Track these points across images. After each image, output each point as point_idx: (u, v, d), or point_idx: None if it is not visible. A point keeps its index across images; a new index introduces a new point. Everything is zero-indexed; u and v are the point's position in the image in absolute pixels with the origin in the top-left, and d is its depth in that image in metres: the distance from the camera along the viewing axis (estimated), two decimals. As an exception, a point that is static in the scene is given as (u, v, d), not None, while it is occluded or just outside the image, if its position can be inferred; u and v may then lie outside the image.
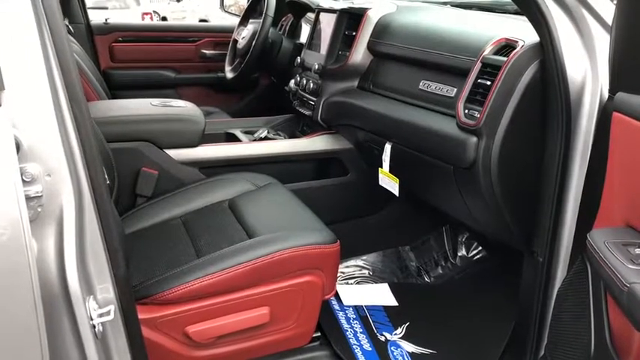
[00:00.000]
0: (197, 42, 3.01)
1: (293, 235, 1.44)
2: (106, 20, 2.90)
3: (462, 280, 2.04)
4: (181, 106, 1.96)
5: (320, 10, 2.20)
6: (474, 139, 1.38)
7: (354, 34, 1.94)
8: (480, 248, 2.07)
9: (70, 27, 2.56)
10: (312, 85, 2.09)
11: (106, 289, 1.09)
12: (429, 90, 1.62)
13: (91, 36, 2.78)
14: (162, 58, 2.95)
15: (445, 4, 2.17)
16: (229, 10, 3.20)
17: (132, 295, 1.12)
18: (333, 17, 2.07)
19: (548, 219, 1.36)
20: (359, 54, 1.92)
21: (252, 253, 1.36)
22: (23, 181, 0.91)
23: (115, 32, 2.88)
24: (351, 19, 1.99)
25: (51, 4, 0.93)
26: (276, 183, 1.82)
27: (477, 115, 1.37)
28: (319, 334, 1.61)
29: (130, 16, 11.90)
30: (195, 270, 1.33)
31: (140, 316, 1.26)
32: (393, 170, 1.76)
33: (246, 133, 2.17)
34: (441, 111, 1.55)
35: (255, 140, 2.08)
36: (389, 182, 1.78)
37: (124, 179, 1.77)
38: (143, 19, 12.29)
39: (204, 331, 1.33)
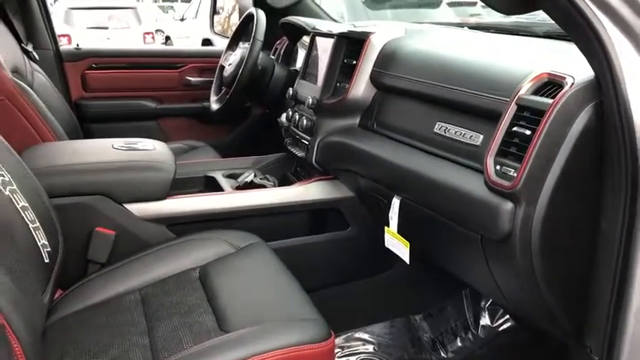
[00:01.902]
0: (181, 68, 2.71)
1: (275, 329, 1.12)
2: (77, 45, 2.61)
3: (486, 355, 1.70)
4: (148, 149, 1.64)
5: (315, 33, 1.89)
6: (510, 205, 1.05)
7: (354, 62, 1.62)
8: (508, 317, 1.73)
9: (34, 53, 2.27)
10: (305, 121, 1.77)
11: None
12: (446, 135, 1.29)
13: (60, 63, 2.48)
14: (142, 87, 2.65)
15: (461, 26, 1.85)
16: (218, 32, 2.91)
17: None
18: (330, 42, 1.75)
19: (608, 307, 1.02)
20: (360, 86, 1.60)
21: (220, 358, 1.04)
22: None
23: (87, 58, 2.58)
24: (351, 44, 1.67)
25: None
26: (259, 243, 1.49)
27: (512, 173, 1.04)
28: None
29: (131, 36, 11.75)
30: None
31: None
32: (402, 230, 1.43)
33: (229, 177, 1.85)
34: (464, 163, 1.22)
35: (237, 188, 1.76)
36: (397, 245, 1.45)
37: (72, 242, 1.45)
38: (144, 39, 12.13)
39: None
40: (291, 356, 1.06)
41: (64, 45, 2.66)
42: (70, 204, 1.45)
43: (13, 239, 1.17)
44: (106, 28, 11.85)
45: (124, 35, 11.67)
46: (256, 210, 1.63)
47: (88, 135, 2.48)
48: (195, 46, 9.19)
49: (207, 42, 6.73)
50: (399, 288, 1.79)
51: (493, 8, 1.07)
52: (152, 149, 1.65)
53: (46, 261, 1.28)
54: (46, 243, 1.31)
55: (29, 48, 2.24)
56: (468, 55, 1.34)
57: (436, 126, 1.33)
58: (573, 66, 1.05)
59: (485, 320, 1.75)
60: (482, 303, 1.76)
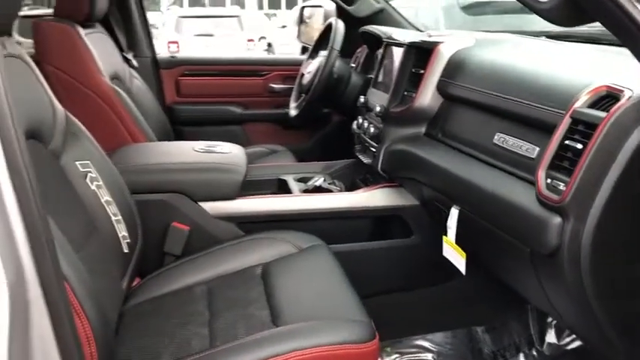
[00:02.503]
0: (265, 76, 2.83)
1: (322, 327, 1.17)
2: (172, 54, 2.81)
3: (550, 374, 1.65)
4: (224, 153, 1.76)
5: (388, 42, 1.92)
6: (558, 219, 1.04)
7: (421, 72, 1.64)
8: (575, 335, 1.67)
9: (134, 60, 2.48)
10: (372, 129, 1.81)
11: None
12: (504, 146, 1.28)
13: (156, 70, 2.69)
14: (229, 93, 2.80)
15: (539, 35, 1.81)
16: (304, 41, 3.01)
17: None
18: (401, 52, 1.78)
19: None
20: (426, 96, 1.61)
21: (267, 349, 1.10)
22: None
23: (181, 66, 2.77)
24: (420, 54, 1.69)
25: None
26: (320, 245, 1.55)
27: (562, 187, 1.02)
28: None
29: (235, 43, 12.29)
30: None
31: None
32: (459, 240, 1.43)
33: (299, 180, 1.93)
34: (519, 175, 1.21)
35: (306, 191, 1.83)
36: (454, 255, 1.45)
37: (151, 235, 1.59)
38: (247, 45, 12.64)
39: None
40: (334, 354, 1.10)
41: (173, 50, 2.88)
42: (150, 200, 1.59)
43: (96, 229, 1.31)
44: (212, 35, 12.51)
45: (227, 42, 12.24)
46: (320, 213, 1.69)
47: (179, 136, 2.66)
48: (281, 54, 9.40)
49: (306, 49, 6.88)
50: (461, 299, 1.77)
51: (548, 20, 1.05)
52: (228, 152, 1.77)
53: (125, 251, 1.42)
54: (126, 235, 1.44)
55: (129, 56, 2.46)
56: (530, 66, 1.33)
57: (496, 137, 1.32)
58: (636, 77, 1.02)
59: (551, 337, 1.69)
60: (549, 319, 1.71)
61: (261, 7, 27.71)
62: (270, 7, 27.03)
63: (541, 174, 1.07)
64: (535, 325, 1.71)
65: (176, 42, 11.69)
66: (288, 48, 12.14)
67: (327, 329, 1.16)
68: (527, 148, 1.21)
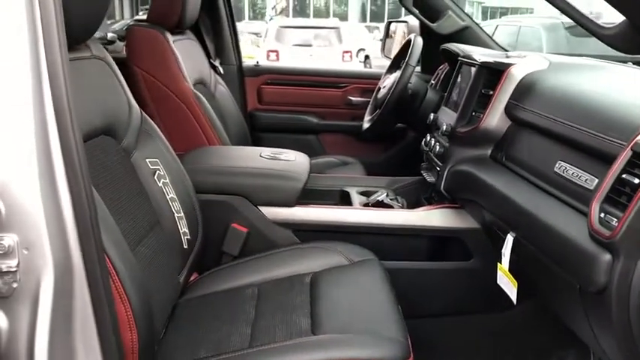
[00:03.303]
0: (344, 88, 2.87)
1: (356, 340, 1.17)
2: (257, 62, 2.92)
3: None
4: (289, 160, 1.80)
5: (463, 61, 1.89)
6: (608, 256, 0.98)
7: (491, 92, 1.60)
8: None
9: (220, 67, 2.60)
10: (438, 147, 1.79)
11: (100, 377, 0.95)
12: (564, 175, 1.23)
13: (241, 77, 2.80)
14: (308, 103, 2.86)
15: (624, 62, 1.71)
16: (387, 55, 3.02)
17: None
18: (472, 71, 1.75)
19: None
20: (494, 117, 1.57)
21: (299, 356, 1.13)
22: (-5, 252, 0.81)
23: (264, 74, 2.87)
24: (491, 74, 1.65)
25: (50, 21, 0.81)
26: (372, 260, 1.55)
27: (615, 222, 0.97)
28: None
29: (332, 54, 12.46)
30: None
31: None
32: (513, 268, 1.38)
33: (362, 194, 1.94)
34: (575, 206, 1.16)
35: (366, 205, 1.84)
36: (507, 283, 1.40)
37: (211, 234, 1.66)
38: (343, 57, 12.79)
39: None
40: None
41: (272, 59, 3.00)
42: (212, 200, 1.67)
43: (159, 223, 1.40)
44: (310, 45, 12.77)
45: (325, 52, 12.44)
46: (377, 228, 1.69)
47: (257, 142, 2.76)
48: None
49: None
50: (515, 330, 1.70)
51: (612, 47, 1.01)
52: (292, 160, 1.81)
53: (185, 247, 1.50)
54: (187, 231, 1.52)
55: (216, 63, 2.58)
56: (600, 93, 1.26)
57: (557, 165, 1.27)
58: None
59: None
60: (611, 363, 1.60)
61: (363, 19, 27.97)
62: (372, 20, 27.22)
63: (595, 207, 1.02)
64: (596, 366, 1.61)
65: (276, 51, 12.06)
66: (385, 61, 12.11)
67: (359, 343, 1.16)
68: (587, 179, 1.15)
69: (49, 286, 0.83)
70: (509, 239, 1.37)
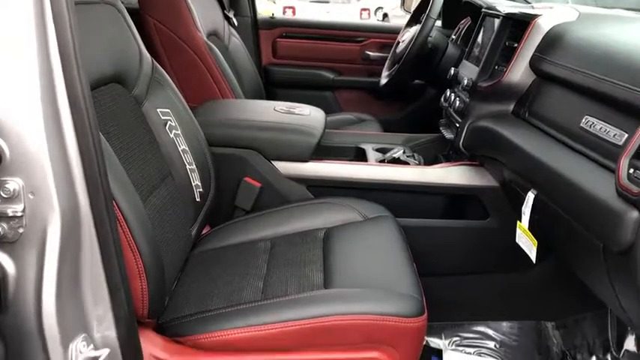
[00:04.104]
0: (362, 42, 2.78)
1: (369, 296, 1.15)
2: (272, 15, 2.84)
3: (624, 383, 1.52)
4: (303, 115, 1.76)
5: (487, 13, 1.81)
6: (636, 214, 0.94)
7: (515, 45, 1.53)
8: (658, 347, 1.53)
9: (234, 19, 2.53)
10: (458, 103, 1.73)
11: (108, 326, 0.94)
12: (591, 130, 1.17)
13: (256, 30, 2.72)
14: (324, 57, 2.79)
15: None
16: (407, 9, 2.91)
17: (135, 339, 0.96)
18: (497, 23, 1.67)
19: None
20: (518, 71, 1.51)
21: (312, 309, 1.12)
22: (0, 197, 0.79)
23: (279, 27, 2.79)
24: (516, 26, 1.58)
25: None
26: (387, 217, 1.52)
27: (644, 179, 0.92)
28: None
29: (349, 11, 12.19)
30: (242, 315, 1.13)
31: (171, 357, 1.11)
32: (533, 227, 1.34)
33: (378, 150, 1.89)
34: (602, 162, 1.10)
35: (382, 161, 1.80)
36: (526, 242, 1.36)
37: (223, 188, 1.64)
38: (361, 14, 12.50)
39: (238, 391, 1.12)
40: (376, 324, 1.09)
41: (288, 15, 2.92)
42: (225, 154, 1.63)
43: (170, 175, 1.37)
44: (327, 1, 12.49)
45: (342, 9, 12.17)
46: (392, 185, 1.65)
47: (272, 97, 2.70)
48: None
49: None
50: (532, 290, 1.67)
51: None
52: (307, 114, 1.77)
53: (197, 200, 1.48)
54: (199, 184, 1.50)
55: (230, 14, 2.51)
56: (631, 45, 1.19)
57: (583, 120, 1.21)
58: None
59: (630, 345, 1.56)
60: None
61: (383, -24, 27.22)
62: (392, -23, 26.48)
63: (623, 162, 0.97)
64: (614, 328, 1.58)
65: (292, 7, 11.82)
66: (405, 20, 11.83)
67: (373, 298, 1.14)
68: (615, 134, 1.09)
69: (56, 232, 0.81)
70: (530, 197, 1.32)
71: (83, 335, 0.87)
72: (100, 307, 0.91)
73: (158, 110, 1.41)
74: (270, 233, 1.51)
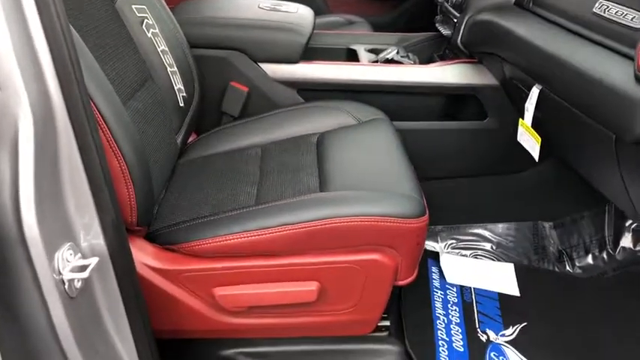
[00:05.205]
0: None
1: (367, 198, 1.10)
2: None
3: (618, 278, 1.53)
4: (290, 12, 1.63)
5: None
6: (655, 101, 0.87)
7: None
8: (655, 243, 1.52)
9: None
10: (457, -5, 1.61)
11: (95, 234, 0.88)
12: (606, 15, 1.08)
13: None
14: None
15: None
16: None
17: (125, 247, 0.90)
18: None
19: None
20: (522, -44, 1.39)
21: (309, 212, 1.06)
22: (-38, 94, 0.71)
23: None
24: None
25: None
26: (382, 119, 1.45)
27: (666, 62, 0.85)
28: (388, 323, 1.27)
29: None
30: (237, 221, 1.08)
31: (163, 265, 1.06)
32: (536, 124, 1.28)
33: (370, 51, 1.78)
34: (617, 49, 1.03)
35: (375, 62, 1.70)
36: (528, 140, 1.31)
37: (208, 93, 1.54)
38: None
39: (234, 298, 1.09)
40: (377, 225, 1.04)
41: None
42: (208, 56, 1.53)
43: (151, 78, 1.27)
44: None
45: None
46: (386, 86, 1.57)
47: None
48: None
49: None
50: (531, 190, 1.63)
51: None
52: (294, 12, 1.64)
53: (181, 105, 1.39)
54: (182, 88, 1.40)
55: None
56: None
57: (596, 4, 1.12)
58: None
59: (626, 242, 1.56)
60: (627, 222, 1.56)
61: None
62: None
63: (643, 46, 0.90)
64: (611, 226, 1.57)
65: None
66: None
67: (372, 199, 1.09)
68: (634, 17, 1.01)
69: (29, 130, 0.73)
70: (535, 92, 1.25)
71: (69, 244, 0.81)
72: (86, 215, 0.85)
73: (133, 7, 1.29)
74: (261, 139, 1.44)
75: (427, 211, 1.10)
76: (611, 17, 1.07)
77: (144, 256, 1.04)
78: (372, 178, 1.19)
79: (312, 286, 1.08)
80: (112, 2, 1.21)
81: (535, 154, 1.29)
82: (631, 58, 0.99)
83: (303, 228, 1.04)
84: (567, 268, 1.57)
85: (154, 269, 1.05)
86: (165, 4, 1.40)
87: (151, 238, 1.10)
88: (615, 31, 1.04)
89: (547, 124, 1.26)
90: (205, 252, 1.06)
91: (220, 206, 1.15)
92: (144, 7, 1.31)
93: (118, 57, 1.14)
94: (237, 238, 1.05)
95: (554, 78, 1.18)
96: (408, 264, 1.10)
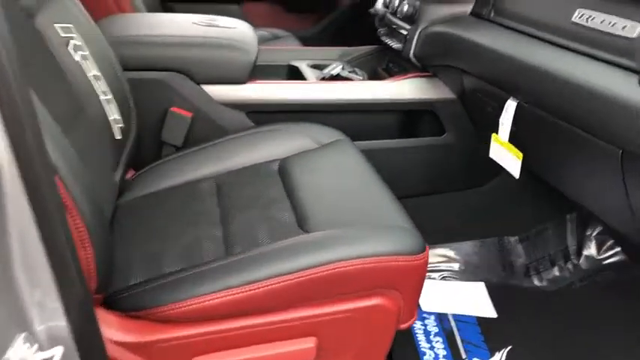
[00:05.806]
0: None
1: (363, 235, 0.97)
2: None
3: (586, 288, 1.51)
4: (230, 27, 1.48)
5: None
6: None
7: None
8: (617, 249, 1.53)
9: None
10: (406, 7, 1.54)
11: (56, 313, 0.68)
12: (589, 25, 1.04)
13: None
14: None
15: None
16: None
17: (94, 327, 0.71)
18: None
19: None
20: (478, -36, 1.34)
21: (300, 259, 0.91)
22: None
23: None
24: None
25: None
26: (344, 140, 1.34)
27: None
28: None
29: None
30: (216, 277, 0.90)
31: (132, 338, 0.87)
32: (514, 139, 1.22)
33: (314, 67, 1.67)
34: (611, 60, 0.98)
35: (323, 79, 1.58)
36: (505, 156, 1.25)
37: (147, 121, 1.35)
38: None
39: (220, 366, 0.92)
40: (383, 266, 0.92)
41: None
42: (144, 79, 1.34)
43: (83, 110, 1.07)
44: None
45: None
46: (343, 105, 1.46)
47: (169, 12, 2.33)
48: None
49: None
50: (494, 205, 1.60)
51: None
52: (233, 27, 1.49)
53: (118, 137, 1.19)
54: (118, 118, 1.20)
55: None
56: None
57: (575, 13, 1.08)
58: None
59: (589, 250, 1.55)
60: (589, 231, 1.56)
61: None
62: None
63: (652, 55, 0.85)
64: (574, 236, 1.56)
65: None
66: None
67: (369, 237, 0.96)
68: (624, 26, 0.97)
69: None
70: (511, 106, 1.19)
71: (23, 335, 0.62)
72: (39, 290, 0.65)
73: (56, 26, 1.08)
74: (213, 170, 1.27)
75: (427, 244, 0.99)
76: (596, 27, 1.02)
77: (106, 329, 0.84)
78: (356, 210, 1.06)
79: (310, 342, 0.93)
80: (31, 21, 1.00)
81: (515, 171, 1.23)
82: (626, 68, 0.95)
83: (295, 279, 0.89)
84: (535, 281, 1.54)
85: (121, 344, 0.85)
86: (92, 21, 1.20)
87: (109, 303, 0.90)
88: (605, 41, 1.00)
89: (525, 140, 1.21)
90: (181, 316, 0.88)
91: (186, 258, 0.97)
92: (70, 26, 1.10)
93: (42, 89, 0.93)
94: (219, 298, 0.88)
95: (536, 90, 1.12)
96: (410, 305, 0.99)
